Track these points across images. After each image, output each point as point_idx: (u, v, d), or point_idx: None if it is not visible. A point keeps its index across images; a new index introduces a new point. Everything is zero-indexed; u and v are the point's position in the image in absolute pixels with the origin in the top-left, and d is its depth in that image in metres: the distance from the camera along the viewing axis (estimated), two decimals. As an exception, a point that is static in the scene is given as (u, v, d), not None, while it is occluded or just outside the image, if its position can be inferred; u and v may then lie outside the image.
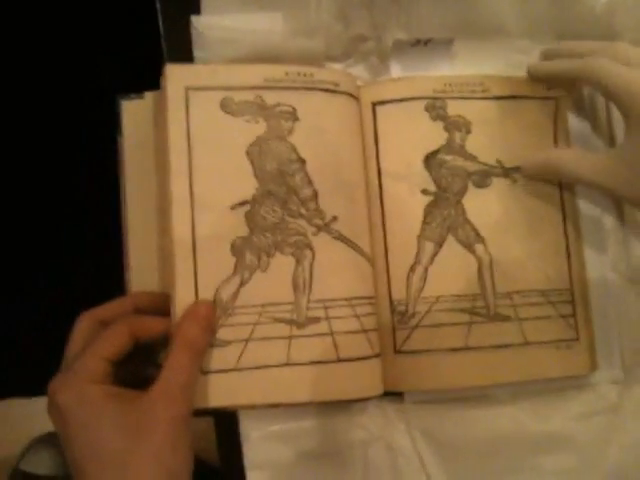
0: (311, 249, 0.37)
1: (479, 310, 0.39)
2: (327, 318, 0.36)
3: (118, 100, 0.39)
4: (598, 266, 0.41)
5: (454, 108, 0.40)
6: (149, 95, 0.39)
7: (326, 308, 0.37)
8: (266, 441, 0.39)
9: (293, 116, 0.38)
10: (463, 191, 0.40)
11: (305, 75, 0.38)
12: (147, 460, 0.30)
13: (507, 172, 0.40)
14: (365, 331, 0.37)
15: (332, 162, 0.38)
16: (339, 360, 0.36)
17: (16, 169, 0.48)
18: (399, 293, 0.39)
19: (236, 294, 0.36)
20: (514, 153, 0.40)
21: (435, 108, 0.40)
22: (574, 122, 0.42)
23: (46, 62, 0.47)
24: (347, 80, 0.39)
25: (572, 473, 0.40)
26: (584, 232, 0.41)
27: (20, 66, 0.48)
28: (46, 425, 0.32)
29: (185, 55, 0.40)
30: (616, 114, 0.41)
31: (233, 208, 0.37)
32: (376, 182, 0.40)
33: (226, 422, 0.39)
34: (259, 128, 0.37)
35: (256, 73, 0.38)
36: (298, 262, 0.37)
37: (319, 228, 0.37)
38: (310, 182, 0.38)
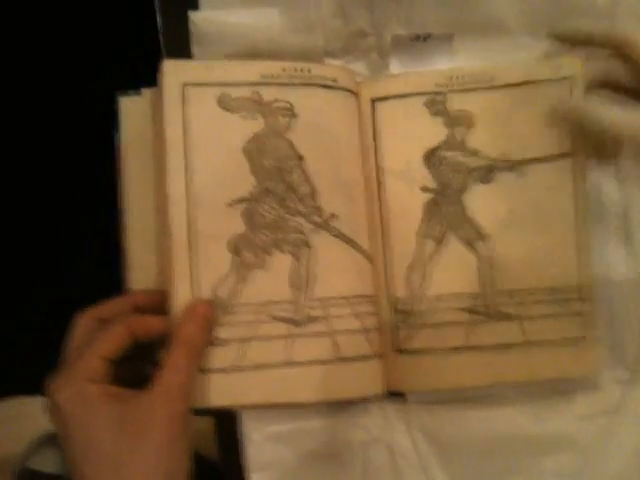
0: (310, 247, 0.37)
1: (479, 309, 0.38)
2: (327, 317, 0.36)
3: (116, 96, 0.39)
4: (604, 263, 0.40)
5: (456, 102, 0.39)
6: (147, 91, 0.39)
7: (326, 307, 0.36)
8: (268, 442, 0.39)
9: (291, 112, 0.37)
10: (464, 188, 0.39)
11: (303, 71, 0.38)
12: (145, 460, 0.30)
13: (514, 165, 0.39)
14: (365, 330, 0.37)
15: (331, 159, 0.38)
16: (339, 359, 0.36)
17: (13, 166, 0.48)
18: (399, 292, 0.38)
19: (234, 292, 0.36)
20: (523, 144, 0.39)
21: (435, 103, 0.39)
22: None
23: (44, 58, 0.47)
24: (346, 76, 0.39)
25: (574, 475, 0.40)
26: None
27: (18, 62, 0.47)
28: (49, 424, 0.32)
29: (183, 51, 0.39)
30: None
31: (230, 205, 0.36)
32: (375, 179, 0.39)
33: (226, 423, 0.39)
34: (256, 125, 0.37)
35: (253, 69, 0.37)
36: (296, 260, 0.36)
37: (318, 226, 0.37)
38: (308, 179, 0.37)
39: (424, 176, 0.39)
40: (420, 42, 0.40)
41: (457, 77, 0.39)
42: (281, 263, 0.36)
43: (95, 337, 0.33)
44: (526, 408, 0.40)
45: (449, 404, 0.40)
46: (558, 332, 0.38)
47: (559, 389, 0.40)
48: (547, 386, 0.40)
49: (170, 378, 0.32)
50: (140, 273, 0.38)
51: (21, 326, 0.51)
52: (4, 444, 0.69)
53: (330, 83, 0.38)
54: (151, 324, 0.35)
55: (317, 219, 0.37)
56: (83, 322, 0.35)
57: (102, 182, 0.40)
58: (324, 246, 0.37)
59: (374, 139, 0.39)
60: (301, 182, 0.37)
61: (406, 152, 0.39)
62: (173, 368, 0.32)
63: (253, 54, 0.39)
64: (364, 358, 0.37)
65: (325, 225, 0.37)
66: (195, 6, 0.39)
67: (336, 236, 0.37)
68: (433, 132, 0.39)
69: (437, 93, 0.39)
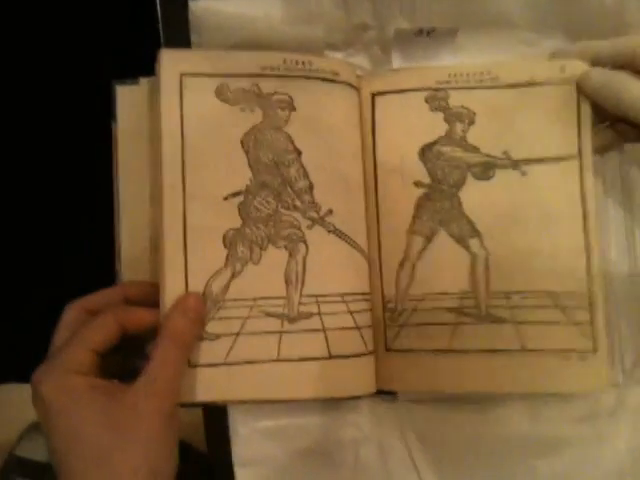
0: (305, 243, 0.36)
1: (468, 310, 0.37)
2: (320, 314, 0.36)
3: (113, 85, 0.39)
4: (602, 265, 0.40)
5: (458, 99, 0.39)
6: (144, 81, 0.39)
7: (319, 303, 0.36)
8: (256, 437, 0.38)
9: (290, 105, 0.37)
10: (461, 183, 0.38)
11: (303, 63, 0.37)
12: (130, 454, 0.30)
13: (516, 164, 0.38)
14: (358, 328, 0.36)
15: (329, 154, 0.37)
16: (331, 357, 0.35)
17: (6, 155, 0.48)
18: (390, 289, 0.38)
19: (227, 287, 0.35)
20: (526, 144, 0.38)
21: (436, 99, 0.39)
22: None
23: (41, 46, 0.47)
24: (347, 70, 0.38)
25: (566, 477, 0.39)
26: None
27: (13, 49, 0.47)
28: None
29: (183, 40, 0.39)
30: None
31: (226, 199, 0.36)
32: (372, 175, 0.39)
33: (215, 417, 0.39)
34: (255, 117, 0.37)
35: (253, 60, 0.37)
36: (291, 256, 0.36)
37: (314, 221, 0.36)
38: (306, 174, 0.37)
39: (419, 171, 0.38)
40: (423, 36, 0.39)
41: (459, 75, 0.39)
42: (276, 258, 0.36)
43: (83, 328, 0.32)
44: (521, 409, 0.40)
45: (441, 403, 0.40)
46: (561, 342, 0.36)
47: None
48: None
49: (158, 372, 0.31)
50: (133, 265, 0.38)
51: (17, 313, 0.51)
52: (1, 430, 0.69)
53: (331, 77, 0.38)
54: (141, 316, 0.34)
55: (313, 215, 0.36)
56: (72, 313, 0.34)
57: (97, 171, 0.39)
58: (320, 242, 0.36)
59: (373, 134, 0.39)
60: (299, 177, 0.37)
61: (402, 147, 0.39)
62: (161, 362, 0.32)
63: (253, 44, 0.38)
64: (356, 356, 0.36)
65: (321, 221, 0.37)
66: (195, -5, 0.39)
67: (332, 232, 0.37)
68: (432, 127, 0.39)
69: (439, 89, 0.39)
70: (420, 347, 0.37)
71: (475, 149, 0.39)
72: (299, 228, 0.36)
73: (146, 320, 0.34)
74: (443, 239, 0.38)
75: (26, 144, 0.48)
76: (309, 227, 0.36)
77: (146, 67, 0.37)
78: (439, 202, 0.38)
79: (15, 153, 0.48)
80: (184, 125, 0.36)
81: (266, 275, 0.36)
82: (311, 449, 0.39)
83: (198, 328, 0.34)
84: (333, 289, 0.36)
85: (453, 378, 0.37)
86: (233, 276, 0.35)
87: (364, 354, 0.36)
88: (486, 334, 0.37)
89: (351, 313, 0.36)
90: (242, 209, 0.36)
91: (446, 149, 0.39)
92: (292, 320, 0.35)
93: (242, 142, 0.36)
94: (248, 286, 0.35)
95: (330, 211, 0.37)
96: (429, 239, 0.38)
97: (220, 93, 0.36)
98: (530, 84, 0.38)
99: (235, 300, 0.35)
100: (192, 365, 0.34)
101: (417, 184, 0.38)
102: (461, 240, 0.38)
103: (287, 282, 0.36)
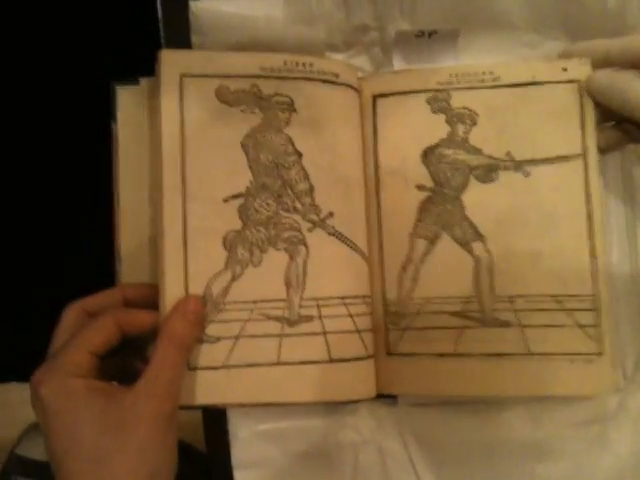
0: (305, 245, 0.36)
1: (473, 314, 0.37)
2: (320, 317, 0.36)
3: (113, 86, 0.39)
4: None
5: (459, 100, 0.38)
6: (144, 81, 0.38)
7: (319, 306, 0.36)
8: (255, 440, 0.38)
9: (290, 107, 0.37)
10: (463, 186, 0.38)
11: (304, 65, 0.37)
12: (128, 457, 0.29)
13: (518, 165, 0.38)
14: (359, 331, 0.36)
15: (329, 156, 0.37)
16: (331, 360, 0.35)
17: (6, 156, 0.48)
18: (392, 293, 0.38)
19: (227, 289, 0.35)
20: (529, 144, 0.38)
21: (437, 100, 0.38)
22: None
23: (40, 46, 0.47)
24: (347, 71, 0.38)
25: (566, 481, 0.39)
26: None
27: (13, 50, 0.47)
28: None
29: (183, 41, 0.39)
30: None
31: (226, 201, 0.36)
32: (374, 177, 0.38)
33: (215, 419, 0.39)
34: (255, 119, 0.36)
35: (253, 61, 0.37)
36: (291, 258, 0.36)
37: (314, 224, 0.36)
38: (306, 176, 0.36)
39: (421, 174, 0.38)
40: (425, 38, 0.39)
41: (461, 75, 0.38)
42: (276, 261, 0.36)
43: (82, 330, 0.32)
44: (520, 413, 0.40)
45: (441, 407, 0.40)
46: (566, 345, 0.36)
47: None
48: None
49: (156, 374, 0.31)
50: (132, 266, 0.38)
51: (14, 314, 0.51)
52: (2, 429, 0.69)
53: (332, 78, 0.37)
54: (140, 318, 0.34)
55: (314, 217, 0.36)
56: (71, 314, 0.34)
57: (97, 171, 0.39)
58: (320, 245, 0.36)
59: (374, 136, 0.39)
60: (299, 179, 0.36)
61: (404, 150, 0.38)
62: (160, 364, 0.31)
63: (254, 45, 0.38)
64: (357, 359, 0.36)
65: (322, 223, 0.36)
66: (196, -5, 0.39)
67: (332, 235, 0.36)
68: (434, 129, 0.38)
69: (440, 90, 0.39)
70: (424, 351, 0.37)
71: (477, 151, 0.38)
72: (299, 230, 0.36)
73: (145, 322, 0.34)
74: (446, 243, 0.38)
75: (26, 144, 0.48)
76: (309, 230, 0.36)
77: (146, 67, 0.37)
78: (442, 206, 0.38)
79: (15, 153, 0.48)
80: (184, 126, 0.35)
81: (266, 278, 0.35)
82: (310, 452, 0.39)
83: (198, 331, 0.34)
84: (333, 292, 0.36)
85: (457, 381, 0.36)
86: (233, 278, 0.35)
87: (364, 358, 0.36)
88: (491, 338, 0.36)
89: (351, 316, 0.36)
90: (242, 211, 0.36)
91: (448, 152, 0.38)
92: (292, 323, 0.35)
93: (242, 144, 0.36)
94: (248, 289, 0.35)
95: (331, 213, 0.36)
96: (433, 243, 0.38)
97: (220, 94, 0.36)
98: (532, 84, 0.38)
99: (235, 303, 0.35)
100: (191, 368, 0.34)
101: (420, 187, 0.38)
102: (465, 244, 0.38)
103: (287, 285, 0.36)
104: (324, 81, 0.37)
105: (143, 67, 0.38)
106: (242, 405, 0.36)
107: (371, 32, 0.40)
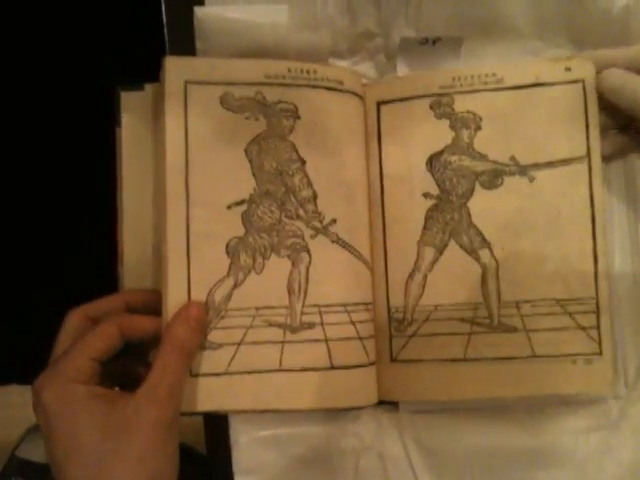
0: (308, 252, 0.36)
1: (481, 320, 0.37)
2: (322, 324, 0.36)
3: (118, 91, 0.39)
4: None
5: (463, 103, 0.38)
6: (149, 87, 0.38)
7: (321, 313, 0.36)
8: (256, 446, 0.38)
9: (294, 114, 0.37)
10: (469, 193, 0.38)
11: (308, 72, 0.37)
12: (129, 463, 0.29)
13: (523, 170, 0.37)
14: (360, 338, 0.36)
15: (333, 163, 0.37)
16: (333, 367, 0.35)
17: (10, 160, 0.48)
18: (397, 300, 0.38)
19: (229, 296, 0.35)
20: (533, 147, 0.37)
21: (441, 105, 0.38)
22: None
23: (45, 51, 0.47)
24: (352, 78, 0.38)
25: (567, 489, 0.39)
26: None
27: (18, 54, 0.47)
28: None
29: (188, 47, 0.39)
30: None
31: (230, 207, 0.36)
32: (378, 185, 0.38)
33: (216, 425, 0.39)
34: (259, 126, 0.36)
35: (257, 68, 0.37)
36: (294, 265, 0.36)
37: (317, 231, 0.36)
38: (310, 183, 0.37)
39: (427, 182, 0.38)
40: (429, 45, 0.39)
41: (463, 78, 0.38)
42: (278, 267, 0.36)
43: (84, 336, 0.32)
44: (523, 420, 0.40)
45: (443, 413, 0.40)
46: (569, 347, 0.36)
47: (556, 403, 0.40)
48: (545, 399, 0.39)
49: (158, 380, 0.31)
50: (135, 271, 0.38)
51: (15, 315, 0.51)
52: (2, 431, 0.69)
53: (336, 85, 0.37)
54: (143, 324, 0.34)
55: (317, 224, 0.36)
56: (73, 320, 0.34)
57: (100, 177, 0.39)
58: (323, 252, 0.36)
59: (379, 143, 0.39)
60: (302, 186, 0.36)
61: (409, 157, 0.38)
62: (162, 370, 0.32)
63: (258, 51, 0.38)
64: (358, 367, 0.36)
65: (324, 230, 0.36)
66: (201, 1, 0.39)
67: (335, 242, 0.36)
68: (438, 136, 0.38)
69: (443, 95, 0.38)
70: (432, 357, 0.37)
71: (482, 156, 0.38)
72: (302, 237, 0.36)
73: (148, 328, 0.34)
74: (454, 251, 0.38)
75: (29, 148, 0.48)
76: (312, 237, 0.36)
77: (151, 73, 0.37)
78: (449, 214, 0.38)
79: (18, 157, 0.48)
80: (188, 133, 0.35)
81: (269, 284, 0.36)
82: (311, 458, 0.38)
83: (200, 337, 0.34)
84: (336, 299, 0.36)
85: (465, 385, 0.37)
86: (236, 285, 0.35)
87: (366, 364, 0.36)
88: (499, 342, 0.37)
89: (353, 323, 0.36)
90: (245, 218, 0.36)
91: (453, 158, 0.38)
92: (294, 330, 0.35)
93: (246, 150, 0.36)
94: (250, 295, 0.35)
95: (334, 221, 0.36)
96: (440, 251, 0.38)
97: (225, 101, 0.36)
98: (535, 85, 0.38)
99: (237, 309, 0.35)
100: (193, 374, 0.34)
101: (426, 195, 0.38)
102: (471, 252, 0.38)
103: (290, 292, 0.36)
104: (328, 88, 0.37)
105: (147, 73, 0.38)
106: (244, 412, 0.36)
107: (375, 38, 0.40)
